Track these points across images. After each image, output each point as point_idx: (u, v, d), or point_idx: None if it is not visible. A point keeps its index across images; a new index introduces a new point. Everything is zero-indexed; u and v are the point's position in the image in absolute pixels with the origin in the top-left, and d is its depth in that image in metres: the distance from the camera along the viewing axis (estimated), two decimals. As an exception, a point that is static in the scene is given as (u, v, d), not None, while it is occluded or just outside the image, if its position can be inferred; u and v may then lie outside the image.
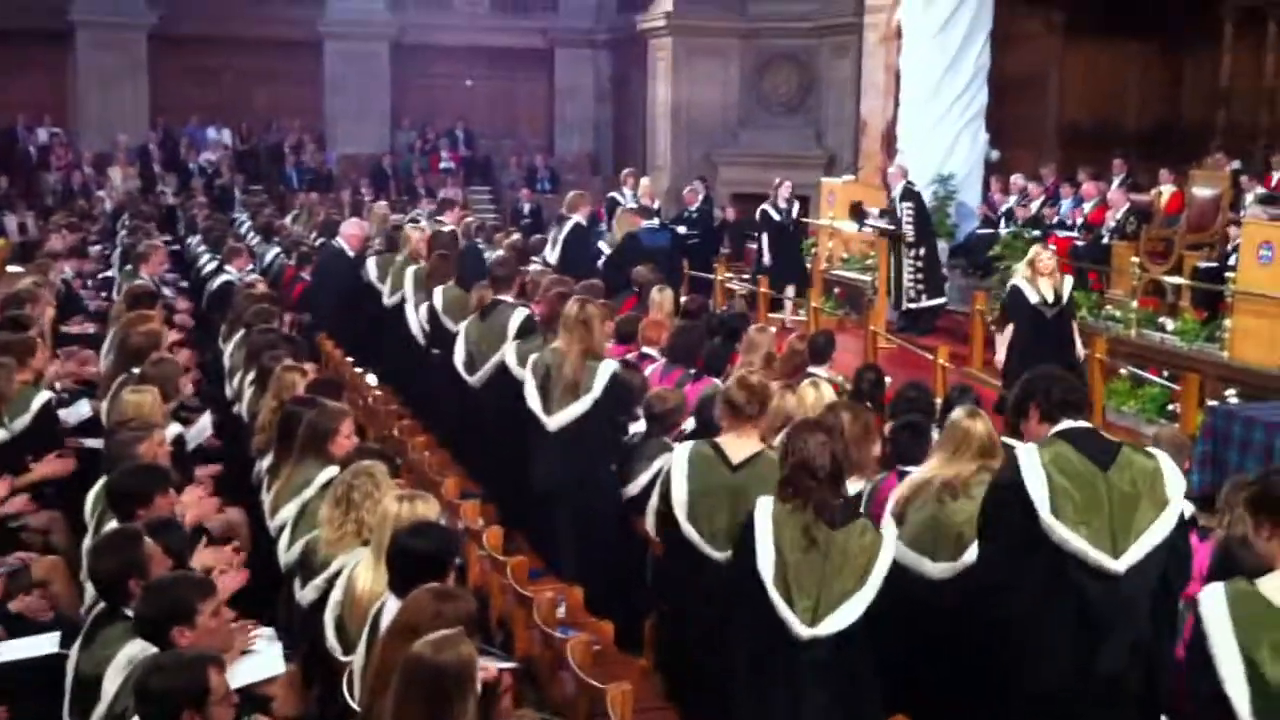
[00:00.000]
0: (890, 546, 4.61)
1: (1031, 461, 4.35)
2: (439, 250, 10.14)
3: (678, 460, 5.41)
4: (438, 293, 9.16)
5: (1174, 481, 4.35)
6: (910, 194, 13.70)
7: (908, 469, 5.57)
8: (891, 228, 13.53)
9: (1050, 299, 9.72)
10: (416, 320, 9.66)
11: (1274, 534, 3.60)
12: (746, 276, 15.71)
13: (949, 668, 4.79)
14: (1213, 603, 3.56)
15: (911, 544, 4.98)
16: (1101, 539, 4.27)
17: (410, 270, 10.19)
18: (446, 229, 12.11)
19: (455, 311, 8.84)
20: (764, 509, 4.59)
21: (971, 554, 4.78)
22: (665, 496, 5.44)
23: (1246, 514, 3.73)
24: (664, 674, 5.53)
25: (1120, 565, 4.26)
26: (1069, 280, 10.05)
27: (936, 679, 4.85)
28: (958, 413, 5.11)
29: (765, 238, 15.56)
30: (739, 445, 5.39)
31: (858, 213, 13.94)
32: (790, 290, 15.07)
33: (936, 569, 4.94)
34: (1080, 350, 9.93)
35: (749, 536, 4.55)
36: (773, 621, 4.47)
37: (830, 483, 4.58)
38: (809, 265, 15.84)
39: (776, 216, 15.51)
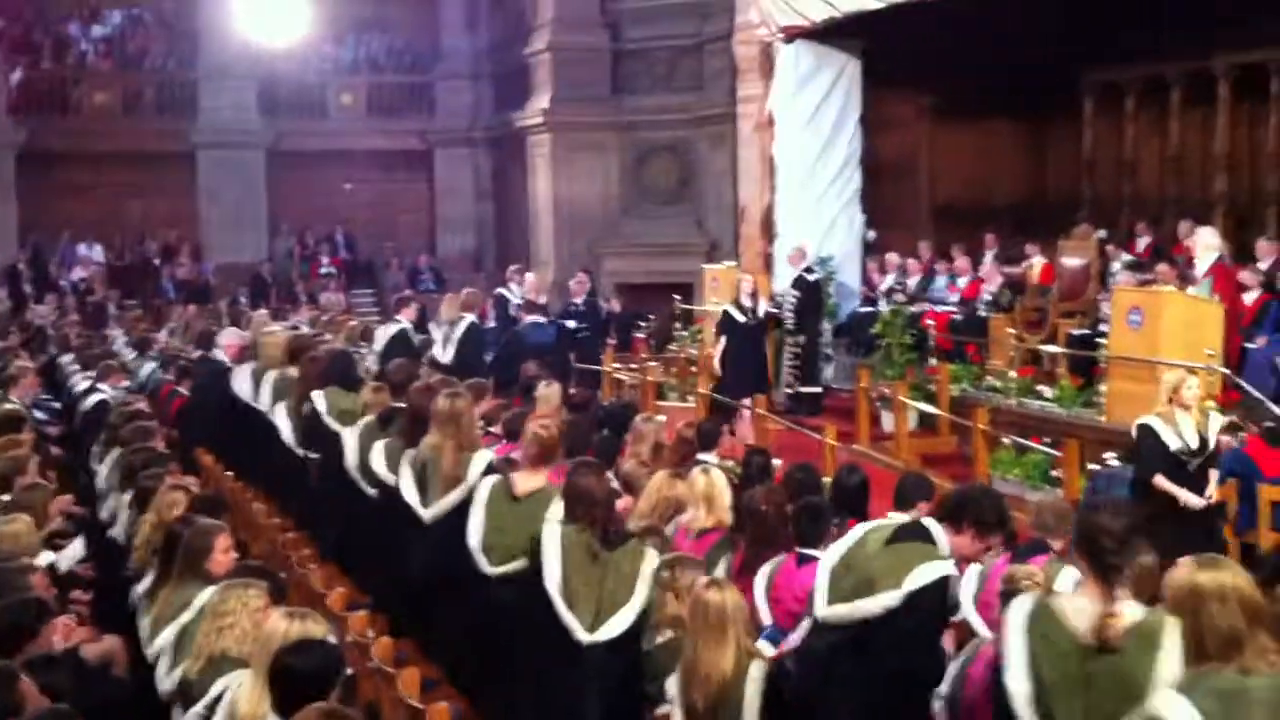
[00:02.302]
0: (653, 561, 5.33)
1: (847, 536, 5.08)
2: (309, 353, 9.97)
3: (477, 495, 6.21)
4: (318, 395, 8.97)
5: (921, 574, 4.73)
6: (801, 283, 13.78)
7: (807, 551, 5.65)
8: (775, 311, 13.66)
9: (1194, 444, 7.67)
10: (287, 427, 9.49)
11: (1079, 557, 3.95)
12: (635, 367, 15.66)
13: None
14: (1015, 609, 3.94)
15: None
16: (844, 592, 4.86)
17: (271, 376, 10.06)
18: (398, 326, 12.26)
19: (339, 414, 8.67)
20: (553, 531, 5.39)
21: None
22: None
23: (1074, 549, 4.03)
24: (454, 675, 6.20)
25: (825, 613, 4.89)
26: (1217, 419, 8.06)
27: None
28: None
29: (723, 342, 13.32)
30: (527, 481, 6.17)
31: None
32: (746, 404, 12.44)
33: None
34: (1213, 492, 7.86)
35: (538, 555, 5.33)
36: (558, 628, 5.23)
37: (607, 508, 5.44)
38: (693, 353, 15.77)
39: (741, 318, 13.29)
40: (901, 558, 4.70)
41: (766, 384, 13.27)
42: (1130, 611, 3.78)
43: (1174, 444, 7.61)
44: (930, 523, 4.85)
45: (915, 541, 4.73)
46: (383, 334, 12.41)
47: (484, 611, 6.07)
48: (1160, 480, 7.60)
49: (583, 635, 5.21)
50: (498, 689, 5.89)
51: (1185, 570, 3.58)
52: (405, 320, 12.59)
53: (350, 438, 8.09)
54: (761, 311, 13.39)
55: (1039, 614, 3.89)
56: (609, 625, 5.23)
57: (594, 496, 5.40)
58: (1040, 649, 3.82)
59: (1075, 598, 3.93)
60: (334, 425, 8.58)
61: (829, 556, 4.87)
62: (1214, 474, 7.84)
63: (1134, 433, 7.90)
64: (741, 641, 4.70)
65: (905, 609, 4.57)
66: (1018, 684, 3.81)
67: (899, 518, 6.19)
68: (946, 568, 4.72)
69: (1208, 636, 3.48)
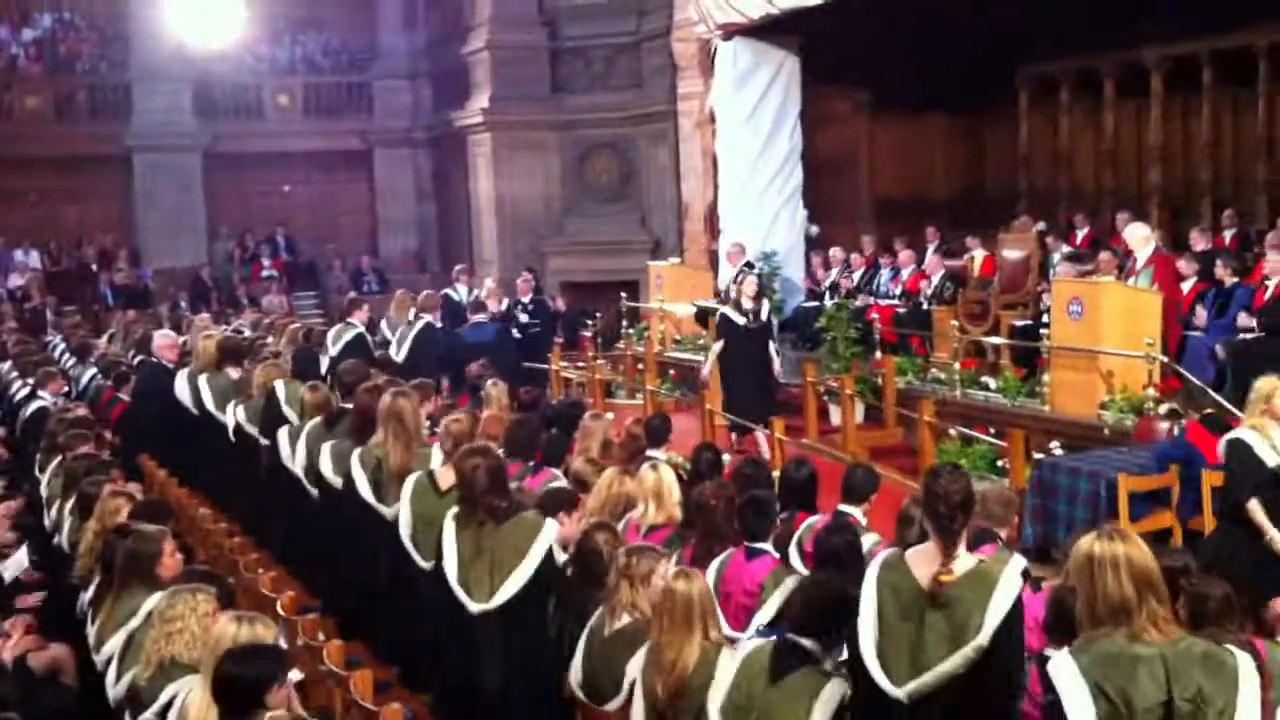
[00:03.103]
0: (550, 531, 5.61)
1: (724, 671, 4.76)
2: (252, 355, 9.99)
3: (404, 491, 6.35)
4: (279, 384, 8.96)
5: (824, 704, 4.31)
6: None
7: (756, 545, 5.71)
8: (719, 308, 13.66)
9: None
10: (232, 424, 9.43)
11: (924, 516, 4.25)
12: (583, 365, 15.63)
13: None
14: (875, 561, 4.34)
15: None
16: None
17: (205, 379, 10.05)
18: (354, 330, 12.32)
19: (296, 404, 8.66)
20: (449, 519, 5.74)
21: None
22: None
23: (921, 513, 4.30)
24: (393, 653, 6.55)
25: None
26: None
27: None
28: None
29: (716, 349, 11.99)
30: (449, 474, 6.19)
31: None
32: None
33: None
34: None
35: (439, 543, 5.71)
36: (464, 612, 5.56)
37: (491, 490, 5.64)
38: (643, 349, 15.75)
39: (740, 320, 11.73)
40: (796, 693, 4.36)
41: (775, 401, 11.72)
42: (963, 566, 4.13)
43: (1271, 460, 6.66)
44: (799, 639, 4.43)
45: (800, 669, 4.38)
46: (336, 337, 12.26)
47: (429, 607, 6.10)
48: (1255, 509, 6.68)
49: (472, 605, 5.50)
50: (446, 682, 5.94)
51: (1085, 541, 3.77)
52: (359, 323, 12.49)
53: (298, 440, 8.05)
54: (764, 314, 11.86)
55: (890, 565, 4.27)
56: (499, 593, 5.48)
57: (469, 481, 5.66)
58: (887, 597, 4.19)
59: (923, 552, 4.22)
60: (290, 414, 8.60)
61: (714, 698, 4.46)
62: None
63: (1222, 450, 6.97)
64: (709, 632, 4.70)
65: None
66: (865, 628, 4.18)
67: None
68: (839, 687, 4.34)
69: (1100, 603, 3.68)
